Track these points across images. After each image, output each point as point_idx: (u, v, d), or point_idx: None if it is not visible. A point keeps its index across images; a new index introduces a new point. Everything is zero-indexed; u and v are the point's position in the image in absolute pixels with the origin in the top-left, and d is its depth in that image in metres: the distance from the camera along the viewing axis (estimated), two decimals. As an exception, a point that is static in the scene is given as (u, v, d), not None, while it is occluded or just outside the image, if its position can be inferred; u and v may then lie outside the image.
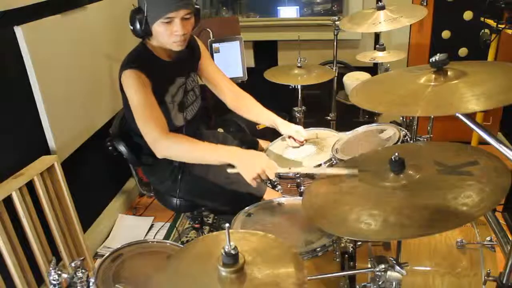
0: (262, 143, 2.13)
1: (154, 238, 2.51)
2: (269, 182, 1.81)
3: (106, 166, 2.68)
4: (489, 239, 1.37)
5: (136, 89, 1.57)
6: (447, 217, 0.86)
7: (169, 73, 1.72)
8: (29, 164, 1.89)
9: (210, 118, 2.99)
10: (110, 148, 1.83)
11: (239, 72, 2.69)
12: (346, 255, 1.49)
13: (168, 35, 1.57)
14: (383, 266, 1.04)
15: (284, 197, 1.67)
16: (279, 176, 1.77)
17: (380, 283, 1.05)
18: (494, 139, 0.89)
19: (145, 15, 1.54)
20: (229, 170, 1.50)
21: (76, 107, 2.22)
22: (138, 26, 1.56)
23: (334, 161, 1.72)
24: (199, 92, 1.89)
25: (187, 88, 1.80)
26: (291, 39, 3.09)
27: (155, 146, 1.57)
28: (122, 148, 1.81)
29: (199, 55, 1.87)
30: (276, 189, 1.80)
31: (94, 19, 2.38)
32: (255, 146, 2.10)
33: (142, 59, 1.64)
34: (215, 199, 1.80)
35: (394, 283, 1.03)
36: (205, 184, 1.78)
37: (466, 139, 2.65)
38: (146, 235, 2.57)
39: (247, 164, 1.47)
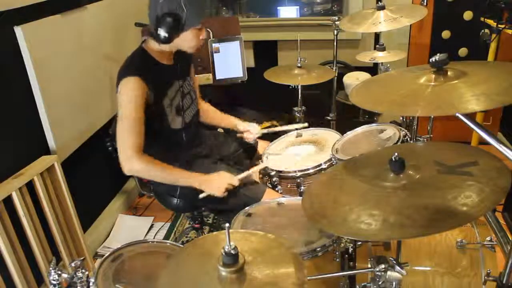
0: (262, 143, 2.13)
1: (154, 238, 2.51)
2: (269, 182, 1.82)
3: (106, 166, 2.67)
4: (489, 239, 1.37)
5: (129, 100, 1.59)
6: (447, 217, 0.86)
7: (167, 77, 1.74)
8: (29, 164, 1.89)
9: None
10: (110, 148, 1.83)
11: (239, 72, 2.69)
12: (346, 255, 1.49)
13: (196, 40, 1.67)
14: (383, 266, 1.04)
15: (284, 197, 1.67)
16: (279, 176, 1.79)
17: (380, 283, 1.05)
18: (494, 139, 0.89)
19: (182, 22, 1.58)
20: (201, 196, 1.71)
21: (76, 107, 2.22)
22: (169, 32, 1.58)
23: (334, 161, 1.73)
24: (195, 96, 1.91)
25: (184, 92, 1.82)
26: (291, 39, 3.09)
27: (126, 163, 1.62)
28: (122, 148, 1.81)
29: (191, 60, 1.90)
30: (276, 189, 1.80)
31: (94, 19, 2.38)
32: (254, 146, 2.11)
33: (143, 65, 1.67)
34: (215, 199, 1.80)
35: (394, 283, 1.03)
36: None
37: (466, 139, 2.65)
38: (146, 235, 2.57)
39: (214, 186, 1.69)
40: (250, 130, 2.02)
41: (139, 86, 1.59)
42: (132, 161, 1.60)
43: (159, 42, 1.63)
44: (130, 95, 1.59)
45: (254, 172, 1.81)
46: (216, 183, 1.69)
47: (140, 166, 1.62)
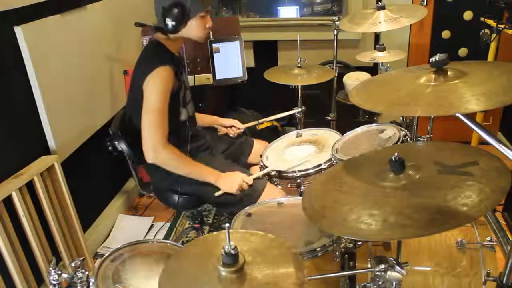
0: (260, 143, 2.13)
1: (154, 238, 2.51)
2: (267, 178, 1.83)
3: (106, 166, 2.67)
4: (489, 239, 1.37)
5: (161, 90, 1.63)
6: (447, 217, 0.86)
7: (180, 67, 1.78)
8: (29, 164, 1.89)
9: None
10: (110, 148, 1.83)
11: (239, 72, 2.69)
12: (346, 255, 1.49)
13: (202, 28, 1.72)
14: (383, 266, 1.04)
15: (284, 197, 1.67)
16: (279, 176, 1.79)
17: (380, 283, 1.05)
18: (494, 139, 0.89)
19: (187, 10, 1.64)
20: (216, 194, 1.74)
21: (76, 107, 2.22)
22: (175, 21, 1.64)
23: (334, 161, 1.73)
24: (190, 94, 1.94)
25: (186, 86, 1.84)
26: (291, 39, 3.09)
27: (151, 153, 1.64)
28: (123, 146, 1.81)
29: None
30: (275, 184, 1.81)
31: (94, 19, 2.38)
32: (247, 145, 2.12)
33: (166, 55, 1.71)
34: (216, 191, 1.80)
35: (394, 283, 1.03)
36: None
37: (466, 139, 2.65)
38: (146, 235, 2.57)
39: (228, 184, 1.72)
40: (235, 125, 2.14)
41: (170, 75, 1.65)
42: (159, 151, 1.64)
43: (168, 32, 1.68)
44: (163, 84, 1.64)
45: (264, 175, 1.82)
46: (231, 181, 1.73)
47: (165, 157, 1.66)
